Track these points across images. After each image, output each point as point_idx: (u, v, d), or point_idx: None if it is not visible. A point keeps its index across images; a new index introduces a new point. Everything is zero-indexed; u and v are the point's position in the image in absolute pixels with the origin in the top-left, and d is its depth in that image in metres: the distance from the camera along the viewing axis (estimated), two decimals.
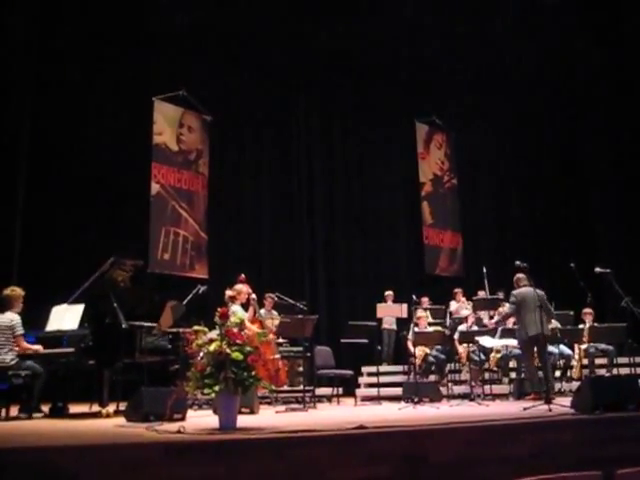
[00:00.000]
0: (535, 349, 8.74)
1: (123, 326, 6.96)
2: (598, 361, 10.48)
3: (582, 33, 14.77)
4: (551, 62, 15.05)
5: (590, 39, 14.81)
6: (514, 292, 8.85)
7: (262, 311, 9.96)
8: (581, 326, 10.17)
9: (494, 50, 14.43)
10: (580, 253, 12.56)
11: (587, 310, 10.41)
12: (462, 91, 15.33)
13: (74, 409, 7.17)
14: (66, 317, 7.06)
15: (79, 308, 7.05)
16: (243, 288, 8.23)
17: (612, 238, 14.75)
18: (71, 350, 6.76)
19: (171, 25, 11.92)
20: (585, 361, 10.26)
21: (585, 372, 10.16)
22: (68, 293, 7.30)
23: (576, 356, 10.18)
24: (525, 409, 6.47)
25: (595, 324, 10.30)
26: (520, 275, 8.93)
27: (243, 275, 8.48)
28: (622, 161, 14.70)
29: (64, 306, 7.20)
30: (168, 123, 12.58)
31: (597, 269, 8.83)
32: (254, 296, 8.69)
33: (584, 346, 10.09)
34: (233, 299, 7.95)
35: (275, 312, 10.02)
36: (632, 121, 14.40)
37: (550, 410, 6.20)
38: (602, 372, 10.28)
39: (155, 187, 12.09)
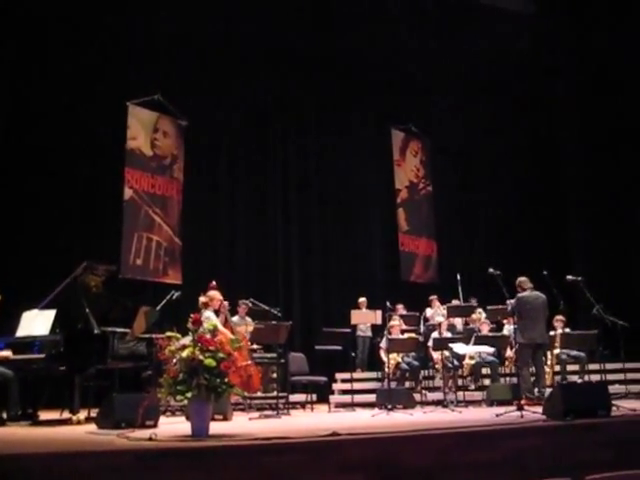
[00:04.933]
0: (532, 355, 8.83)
1: (95, 332, 6.89)
2: (570, 367, 10.61)
3: (557, 40, 15.01)
4: (526, 69, 15.19)
5: (567, 48, 15.06)
6: (519, 295, 8.76)
7: (235, 318, 9.96)
8: (552, 333, 10.28)
9: (471, 58, 14.54)
10: (553, 261, 12.68)
11: (559, 317, 10.52)
12: (438, 99, 15.43)
13: (44, 416, 7.07)
14: (37, 322, 6.96)
15: (50, 313, 6.96)
16: (216, 294, 8.23)
17: (585, 247, 14.94)
18: (42, 356, 6.67)
19: (146, 29, 11.84)
20: (557, 367, 10.37)
21: (557, 378, 10.27)
22: (39, 298, 7.21)
23: (548, 362, 10.28)
24: (498, 415, 6.52)
25: (567, 331, 10.42)
26: (522, 278, 8.95)
27: (214, 282, 8.47)
28: (597, 169, 14.87)
29: (35, 311, 7.10)
30: (143, 128, 12.48)
31: (569, 277, 8.92)
32: (226, 303, 8.68)
33: (556, 351, 10.20)
34: (206, 305, 7.93)
35: (249, 318, 10.00)
36: (607, 128, 14.58)
37: (522, 416, 6.26)
38: (574, 378, 10.41)
39: (128, 192, 11.98)
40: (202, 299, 8.01)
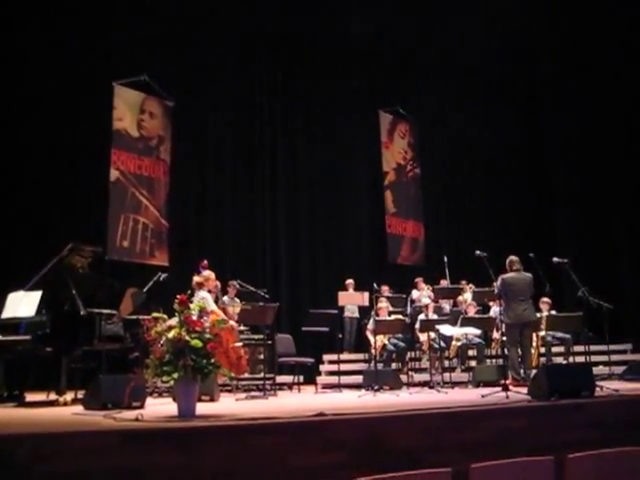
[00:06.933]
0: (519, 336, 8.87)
1: (81, 313, 6.86)
2: (555, 349, 10.70)
3: (543, 21, 14.98)
4: (516, 53, 15.17)
5: (551, 27, 15.03)
6: (503, 277, 8.73)
7: (225, 298, 9.96)
8: (538, 315, 10.33)
9: (459, 41, 14.50)
10: (539, 243, 12.73)
11: (545, 299, 10.58)
12: (426, 81, 15.41)
13: (31, 397, 7.05)
14: (23, 304, 6.92)
15: (36, 295, 6.91)
16: (211, 275, 8.18)
17: (570, 229, 15.01)
18: (28, 337, 6.64)
19: (133, 8, 11.72)
20: (542, 349, 10.45)
21: (542, 360, 10.35)
22: (25, 279, 7.17)
23: (534, 344, 10.35)
24: (483, 396, 6.57)
25: (553, 313, 10.48)
26: (513, 258, 8.94)
27: (205, 261, 8.43)
28: (582, 151, 14.91)
29: (21, 293, 7.06)
30: (129, 109, 12.37)
31: (555, 259, 8.95)
32: (217, 283, 8.66)
33: (542, 334, 10.26)
34: (201, 285, 7.89)
35: (238, 300, 10.00)
36: (593, 110, 14.61)
37: (507, 397, 6.30)
38: (559, 360, 10.50)
39: (114, 173, 11.90)
40: (197, 279, 7.98)
